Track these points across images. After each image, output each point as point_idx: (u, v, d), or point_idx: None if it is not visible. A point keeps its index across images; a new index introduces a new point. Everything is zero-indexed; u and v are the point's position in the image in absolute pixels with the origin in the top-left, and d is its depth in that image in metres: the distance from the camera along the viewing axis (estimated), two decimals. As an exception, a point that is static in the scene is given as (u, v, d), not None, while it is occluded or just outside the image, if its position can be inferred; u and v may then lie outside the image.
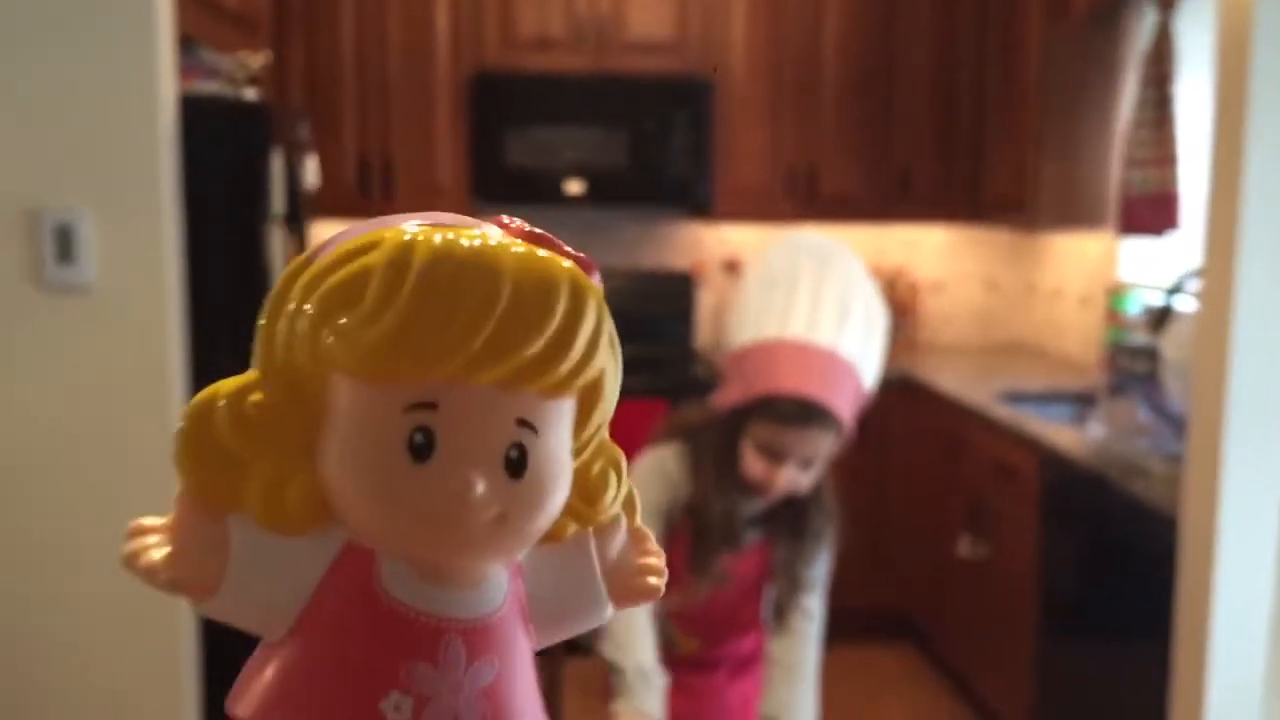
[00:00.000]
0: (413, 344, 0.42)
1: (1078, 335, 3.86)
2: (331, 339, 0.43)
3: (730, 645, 1.78)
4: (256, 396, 0.45)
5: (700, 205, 3.93)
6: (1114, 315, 3.44)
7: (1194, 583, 2.13)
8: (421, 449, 0.43)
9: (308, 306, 0.44)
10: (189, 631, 2.08)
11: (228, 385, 0.46)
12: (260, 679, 0.46)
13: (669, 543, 1.69)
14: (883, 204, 3.95)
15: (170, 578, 0.44)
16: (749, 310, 1.67)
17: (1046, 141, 3.46)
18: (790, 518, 1.70)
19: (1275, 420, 2.02)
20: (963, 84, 3.88)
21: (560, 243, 0.47)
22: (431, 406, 0.43)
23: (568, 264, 0.45)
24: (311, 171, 2.71)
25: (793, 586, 1.71)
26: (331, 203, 3.48)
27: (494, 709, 0.46)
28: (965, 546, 3.23)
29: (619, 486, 0.51)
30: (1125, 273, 3.58)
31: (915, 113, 3.91)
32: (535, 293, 0.43)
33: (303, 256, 0.47)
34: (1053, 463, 2.76)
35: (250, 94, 2.48)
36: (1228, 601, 2.08)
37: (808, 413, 1.60)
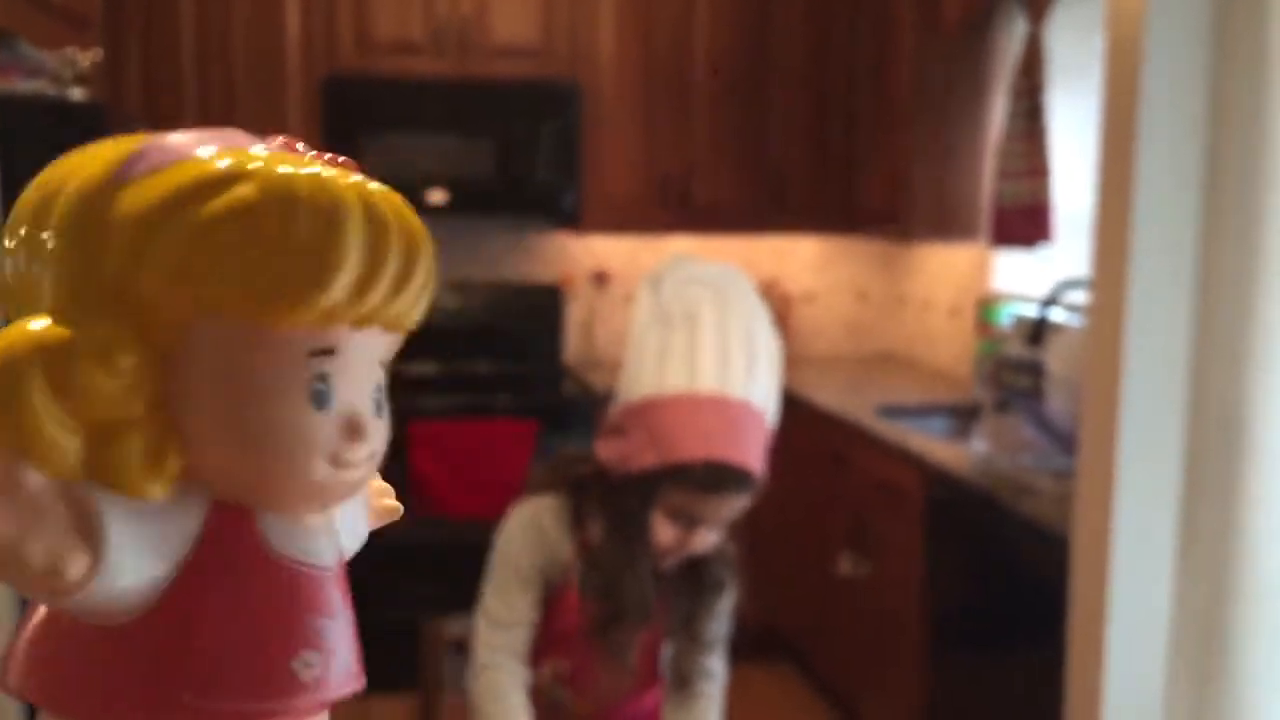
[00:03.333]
0: (337, 288, 0.41)
1: (948, 347, 3.86)
2: (221, 281, 0.40)
3: (627, 706, 1.64)
4: (94, 344, 0.39)
5: (568, 215, 3.79)
6: (985, 326, 3.44)
7: (1087, 602, 2.09)
8: (323, 396, 0.42)
9: (165, 241, 0.40)
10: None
11: (42, 334, 0.39)
12: (121, 664, 0.41)
13: (553, 606, 1.55)
14: (757, 214, 3.88)
15: (41, 565, 0.38)
16: (645, 355, 1.51)
17: (919, 152, 3.43)
18: (688, 572, 1.57)
19: (1168, 436, 1.99)
20: (836, 93, 3.84)
21: (357, 165, 0.46)
22: (331, 353, 0.42)
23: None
24: (150, 179, 2.48)
25: (693, 645, 1.57)
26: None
27: (359, 653, 0.46)
28: (846, 564, 3.17)
29: None
30: (996, 284, 3.58)
31: (789, 122, 3.85)
32: (414, 234, 0.43)
33: (97, 175, 0.41)
34: (937, 480, 2.71)
35: (78, 94, 2.25)
36: (1122, 621, 2.04)
37: (729, 478, 1.47)
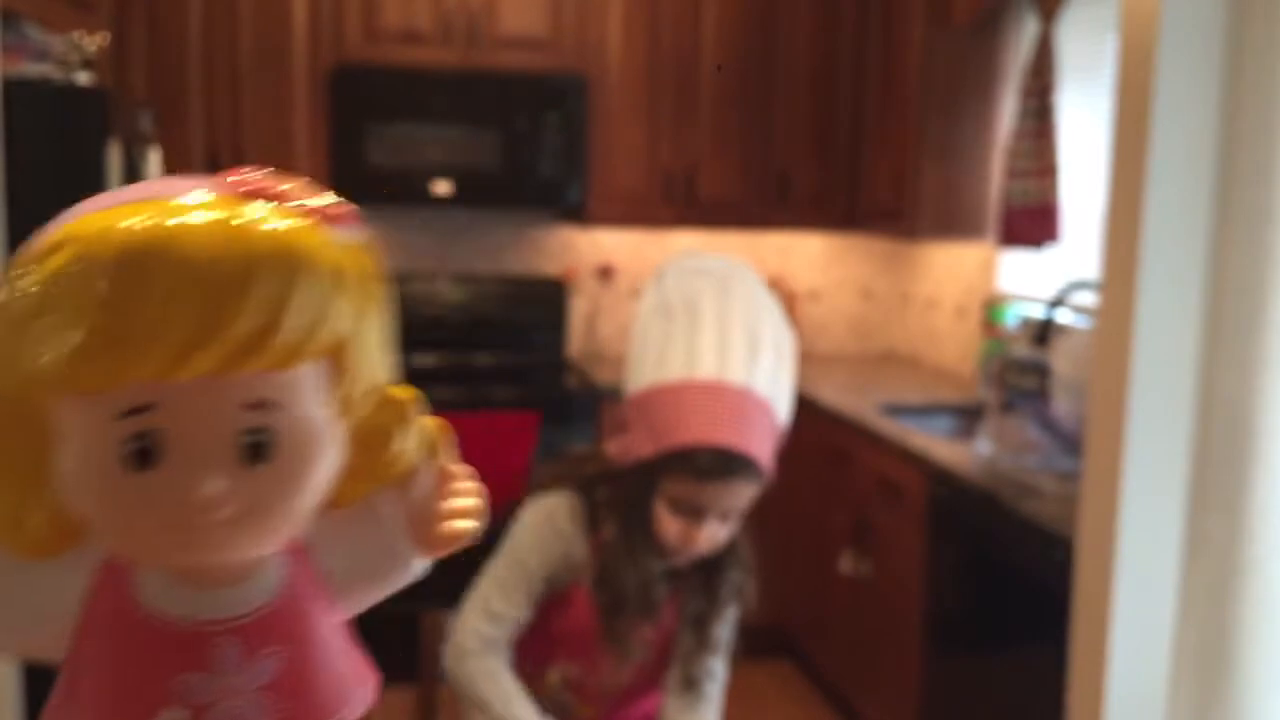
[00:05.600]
0: (112, 346, 0.39)
1: (953, 346, 3.85)
2: (32, 356, 0.40)
3: (630, 709, 1.63)
4: None
5: (573, 208, 3.78)
6: (991, 327, 3.42)
7: (1091, 605, 2.08)
8: (141, 456, 0.41)
9: (3, 325, 0.41)
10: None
11: None
12: (49, 709, 0.42)
13: (563, 606, 1.53)
14: (762, 210, 3.86)
15: None
16: (648, 347, 1.49)
17: (926, 150, 3.42)
18: (703, 572, 1.55)
19: (1175, 439, 1.98)
20: (843, 90, 3.83)
21: (292, 192, 0.42)
22: (147, 409, 0.41)
23: (272, 227, 0.42)
24: (154, 165, 2.47)
25: (700, 647, 1.56)
26: (177, 200, 3.22)
27: (285, 700, 0.42)
28: (847, 563, 3.16)
29: (404, 433, 0.47)
30: (1002, 284, 3.57)
31: (795, 118, 3.84)
32: (231, 270, 0.40)
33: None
34: (940, 479, 2.70)
35: (84, 78, 2.24)
36: (1126, 624, 2.03)
37: (727, 464, 1.43)
